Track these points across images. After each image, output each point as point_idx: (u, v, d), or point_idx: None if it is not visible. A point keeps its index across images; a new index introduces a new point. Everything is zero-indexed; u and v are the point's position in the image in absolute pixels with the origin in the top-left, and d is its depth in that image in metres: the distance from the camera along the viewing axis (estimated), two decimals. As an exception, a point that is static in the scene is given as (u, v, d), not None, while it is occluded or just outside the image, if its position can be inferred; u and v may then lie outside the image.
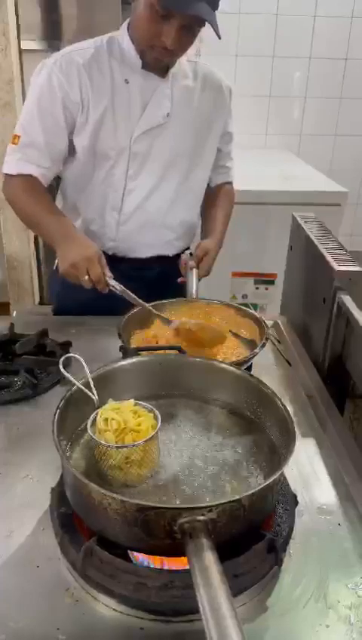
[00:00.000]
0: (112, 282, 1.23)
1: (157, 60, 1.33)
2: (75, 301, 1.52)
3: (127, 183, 1.44)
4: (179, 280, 1.46)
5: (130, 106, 1.38)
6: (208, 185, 1.65)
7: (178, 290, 1.40)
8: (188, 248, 1.65)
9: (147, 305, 1.24)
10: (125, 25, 1.38)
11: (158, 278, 1.30)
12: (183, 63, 1.45)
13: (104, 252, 1.44)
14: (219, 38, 1.23)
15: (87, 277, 1.22)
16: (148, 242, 1.51)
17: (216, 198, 1.64)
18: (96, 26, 2.71)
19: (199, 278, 1.43)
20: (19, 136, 1.37)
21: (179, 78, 1.43)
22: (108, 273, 1.24)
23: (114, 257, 1.51)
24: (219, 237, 1.55)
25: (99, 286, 1.23)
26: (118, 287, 1.22)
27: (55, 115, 1.34)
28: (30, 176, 1.37)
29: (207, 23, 1.22)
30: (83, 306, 1.50)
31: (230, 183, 1.70)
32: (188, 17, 1.20)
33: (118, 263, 1.48)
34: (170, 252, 1.57)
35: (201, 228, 1.62)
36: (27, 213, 1.39)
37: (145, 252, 1.49)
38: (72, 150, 1.42)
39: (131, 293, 1.22)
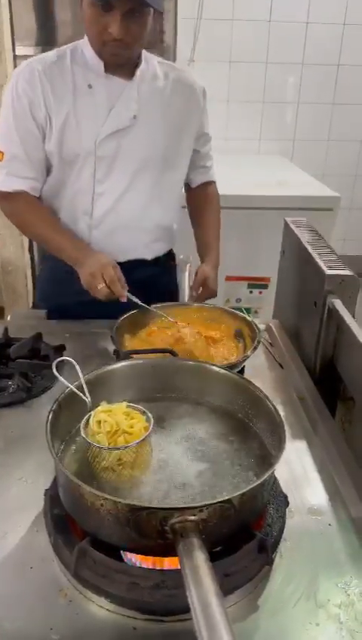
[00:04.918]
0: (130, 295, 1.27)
1: (115, 56, 1.32)
2: (61, 306, 1.54)
3: (96, 187, 1.44)
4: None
5: (94, 110, 1.38)
6: (189, 186, 1.65)
7: (160, 295, 1.39)
8: (170, 251, 1.66)
9: (164, 315, 1.29)
10: None
11: (138, 283, 1.31)
12: (154, 65, 1.46)
13: None
14: (155, 8, 1.25)
15: (103, 284, 1.26)
16: (122, 246, 1.51)
17: (202, 208, 1.65)
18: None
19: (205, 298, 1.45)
20: (2, 152, 1.38)
21: (147, 79, 1.43)
22: (124, 286, 1.29)
23: None
24: (215, 258, 1.56)
25: (115, 288, 1.26)
26: (135, 299, 1.28)
27: (27, 123, 1.36)
28: (22, 192, 1.39)
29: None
30: (68, 310, 1.52)
31: (212, 183, 1.69)
32: (127, 3, 1.21)
33: None
34: (148, 256, 1.56)
35: (196, 242, 1.63)
36: (42, 236, 1.45)
37: (121, 256, 1.48)
38: None
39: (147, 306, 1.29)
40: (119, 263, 1.41)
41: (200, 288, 1.45)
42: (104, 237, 1.48)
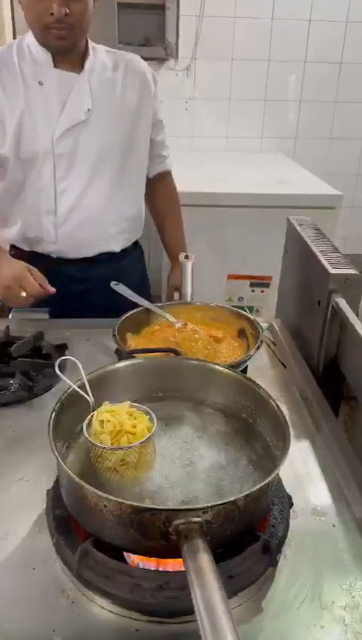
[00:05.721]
0: (119, 288, 1.28)
1: (60, 40, 1.30)
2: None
3: (57, 185, 1.43)
4: None
5: (47, 108, 1.36)
6: (146, 176, 1.64)
7: (131, 287, 1.35)
8: (137, 242, 1.66)
9: (149, 304, 1.28)
10: None
11: (109, 277, 1.31)
12: (102, 55, 1.45)
13: (48, 256, 1.48)
14: None
15: (24, 294, 1.27)
16: (89, 240, 1.50)
17: (166, 211, 1.68)
18: (91, 29, 2.72)
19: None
20: None
21: (97, 71, 1.42)
22: (48, 287, 1.30)
23: (59, 260, 1.51)
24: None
25: (44, 288, 1.29)
26: (125, 292, 1.28)
27: None
28: None
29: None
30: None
31: (168, 173, 1.69)
32: None
33: (64, 266, 1.48)
34: (116, 247, 1.55)
35: (163, 244, 1.67)
36: None
37: (89, 251, 1.47)
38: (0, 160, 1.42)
39: (138, 296, 1.29)
40: (88, 258, 1.42)
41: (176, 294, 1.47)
42: (70, 234, 1.48)
